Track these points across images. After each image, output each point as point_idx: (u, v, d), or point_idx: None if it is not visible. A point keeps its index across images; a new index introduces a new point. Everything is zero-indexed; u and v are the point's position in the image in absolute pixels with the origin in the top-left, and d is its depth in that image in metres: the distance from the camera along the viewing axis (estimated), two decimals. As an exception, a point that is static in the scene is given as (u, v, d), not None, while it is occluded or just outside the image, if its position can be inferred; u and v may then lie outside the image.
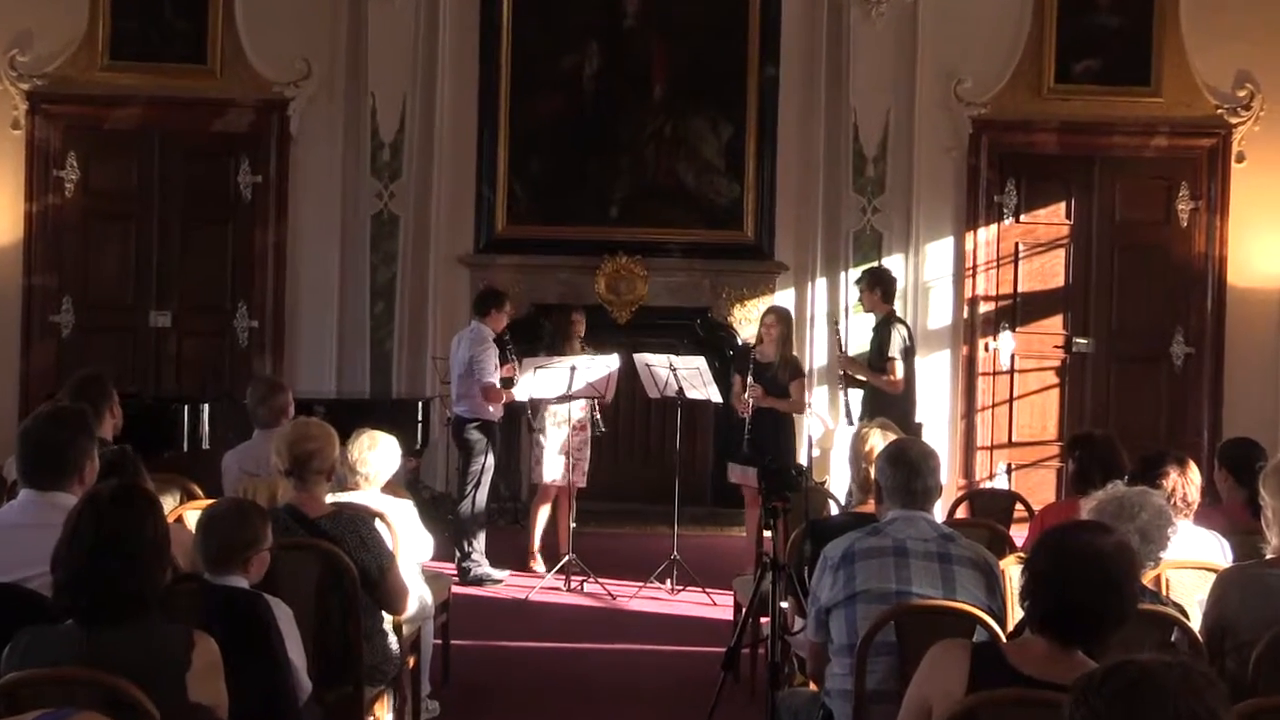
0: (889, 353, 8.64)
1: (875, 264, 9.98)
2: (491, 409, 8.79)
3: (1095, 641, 3.15)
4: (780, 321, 8.75)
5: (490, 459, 8.82)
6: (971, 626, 3.89)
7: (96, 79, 10.60)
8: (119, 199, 10.82)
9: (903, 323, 9.04)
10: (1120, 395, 10.90)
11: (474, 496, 8.76)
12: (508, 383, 8.82)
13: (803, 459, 9.20)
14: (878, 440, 4.95)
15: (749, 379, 8.54)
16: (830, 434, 10.17)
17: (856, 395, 9.00)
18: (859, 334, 9.70)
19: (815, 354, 10.52)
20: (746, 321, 10.77)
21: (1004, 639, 3.79)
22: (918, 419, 9.27)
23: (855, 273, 9.83)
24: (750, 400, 8.50)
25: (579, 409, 8.90)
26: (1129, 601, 3.20)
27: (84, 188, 10.74)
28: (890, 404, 8.32)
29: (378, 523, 5.07)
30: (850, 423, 8.96)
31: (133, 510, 3.33)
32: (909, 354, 8.82)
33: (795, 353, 8.99)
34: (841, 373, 9.15)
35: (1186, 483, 4.93)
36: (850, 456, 5.21)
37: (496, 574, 8.80)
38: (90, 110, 10.69)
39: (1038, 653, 3.18)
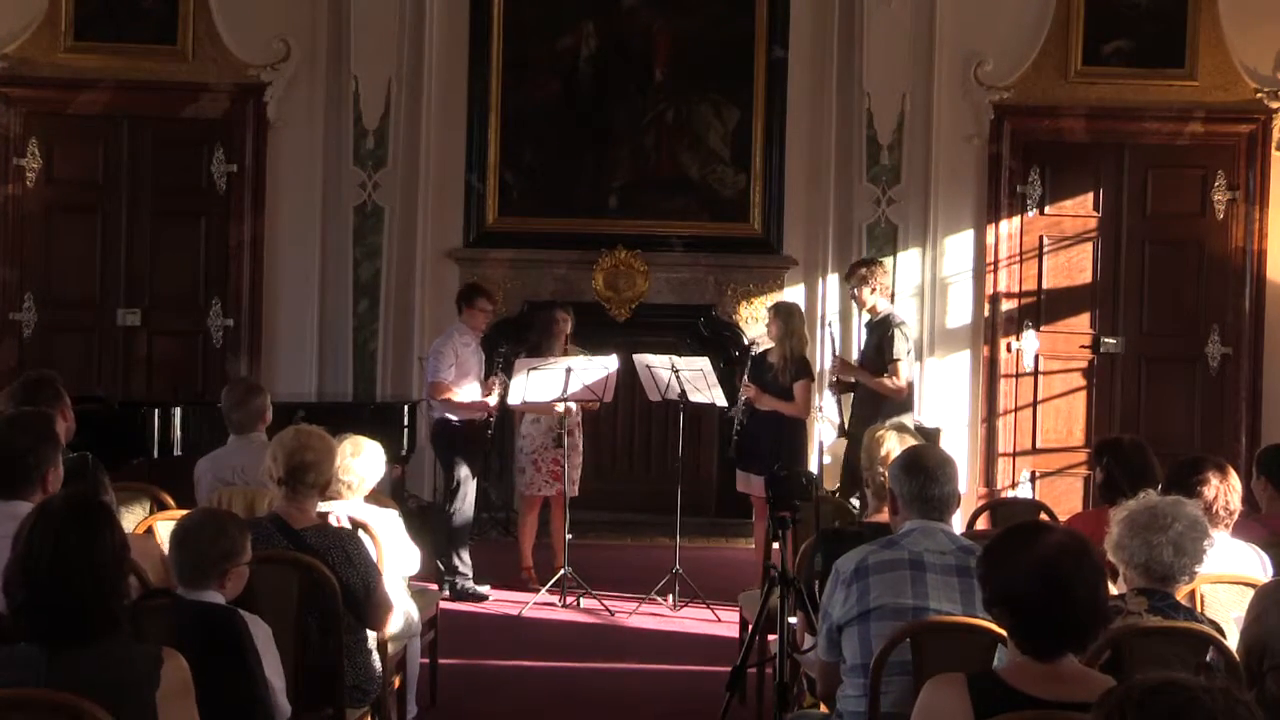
0: (895, 354, 8.37)
1: (870, 256, 9.77)
2: (451, 411, 8.79)
3: (1081, 644, 3.23)
4: (779, 317, 8.70)
5: (469, 465, 8.83)
6: (992, 643, 3.89)
7: (59, 61, 10.59)
8: (84, 189, 10.81)
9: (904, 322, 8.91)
10: (1151, 399, 10.89)
11: (458, 505, 8.78)
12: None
13: (813, 466, 9.18)
14: (894, 445, 4.95)
15: (744, 377, 8.55)
16: (842, 441, 10.16)
17: (841, 402, 8.87)
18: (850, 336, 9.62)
19: (827, 354, 10.48)
20: (753, 320, 10.77)
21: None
22: (935, 424, 9.24)
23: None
24: (743, 398, 8.50)
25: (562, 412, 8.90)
26: (1095, 593, 3.24)
27: (47, 177, 10.72)
28: (888, 410, 8.20)
29: (360, 533, 5.09)
30: (842, 434, 8.88)
31: (89, 523, 3.32)
32: (911, 356, 8.69)
33: (804, 351, 8.88)
34: (834, 379, 8.90)
35: (1228, 490, 4.93)
36: (864, 462, 5.21)
37: (481, 588, 8.81)
38: (53, 94, 10.67)
39: (1037, 672, 3.19)
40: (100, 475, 4.92)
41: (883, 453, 5.00)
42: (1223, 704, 2.29)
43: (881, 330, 8.51)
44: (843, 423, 8.82)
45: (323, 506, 5.29)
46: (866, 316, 8.82)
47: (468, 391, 8.82)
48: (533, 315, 10.45)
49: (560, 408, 8.75)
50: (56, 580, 3.23)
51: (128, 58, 10.64)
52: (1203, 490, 4.84)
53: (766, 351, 8.76)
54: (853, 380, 8.67)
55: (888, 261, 10.46)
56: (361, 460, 5.60)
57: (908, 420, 8.20)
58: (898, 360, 8.36)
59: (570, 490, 8.92)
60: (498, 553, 9.52)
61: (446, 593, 8.49)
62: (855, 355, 10.02)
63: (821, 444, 8.92)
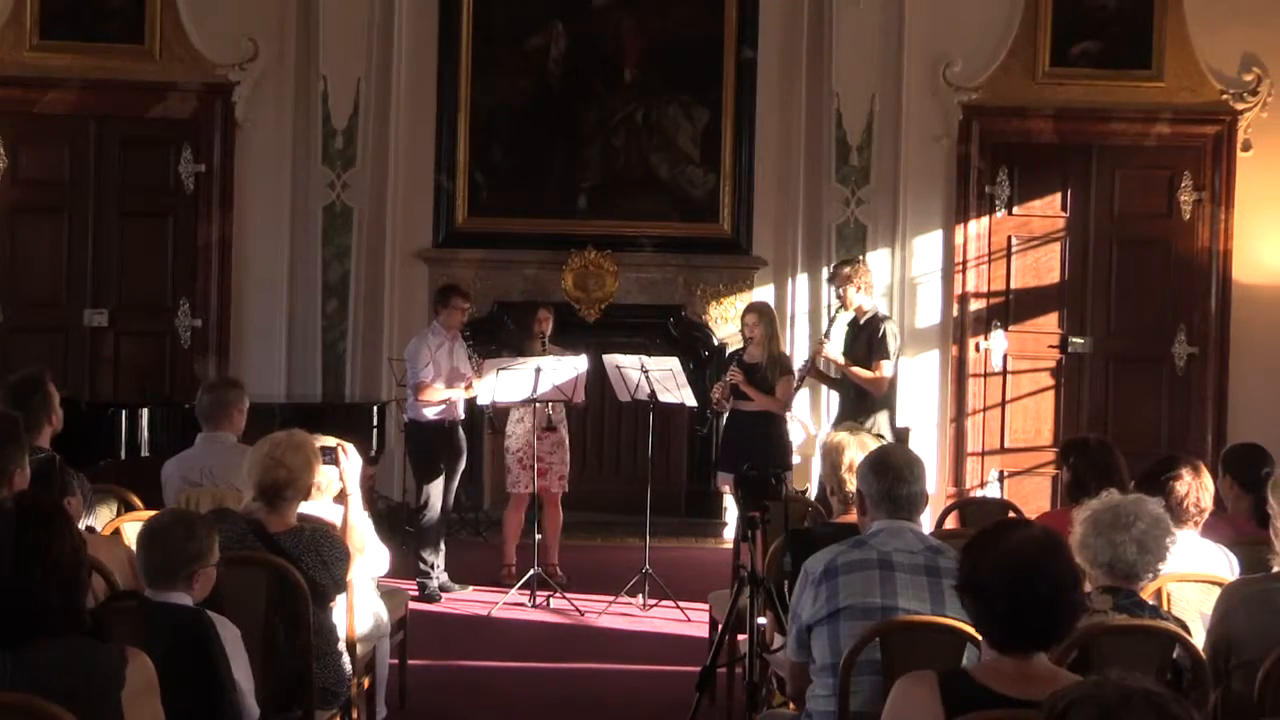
0: (886, 350, 8.31)
1: (853, 255, 9.78)
2: (428, 411, 8.79)
3: (1045, 641, 3.23)
4: (762, 319, 8.71)
5: (435, 465, 8.84)
6: (961, 643, 3.91)
7: (25, 60, 10.53)
8: (51, 189, 10.75)
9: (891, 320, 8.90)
10: (1119, 398, 10.95)
11: (426, 506, 8.79)
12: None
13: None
14: (855, 452, 4.95)
15: (732, 364, 8.55)
16: (812, 440, 10.20)
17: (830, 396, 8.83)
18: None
19: (796, 354, 10.50)
20: (722, 320, 10.80)
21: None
22: (903, 423, 9.25)
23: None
24: (729, 382, 8.51)
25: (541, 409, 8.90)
26: (1061, 590, 3.23)
27: (13, 177, 10.66)
28: (872, 408, 8.26)
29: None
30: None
31: (43, 523, 3.31)
32: (897, 357, 8.67)
33: (782, 349, 8.92)
34: (809, 364, 8.67)
35: (1200, 487, 4.96)
36: (825, 469, 5.21)
37: (457, 588, 8.82)
38: (19, 93, 10.60)
39: (1008, 671, 3.20)
40: (67, 476, 4.90)
41: (845, 460, 5.00)
42: (1150, 710, 2.33)
43: (872, 328, 8.44)
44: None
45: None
46: (850, 316, 8.66)
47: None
48: (511, 314, 10.49)
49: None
50: (16, 580, 3.22)
51: (95, 57, 10.58)
52: (1174, 485, 4.87)
53: (743, 352, 8.75)
54: (834, 374, 8.68)
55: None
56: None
57: (883, 419, 8.22)
58: (886, 357, 8.31)
59: (559, 487, 9.01)
60: (467, 552, 9.53)
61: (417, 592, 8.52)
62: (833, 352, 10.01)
63: (790, 443, 8.91)
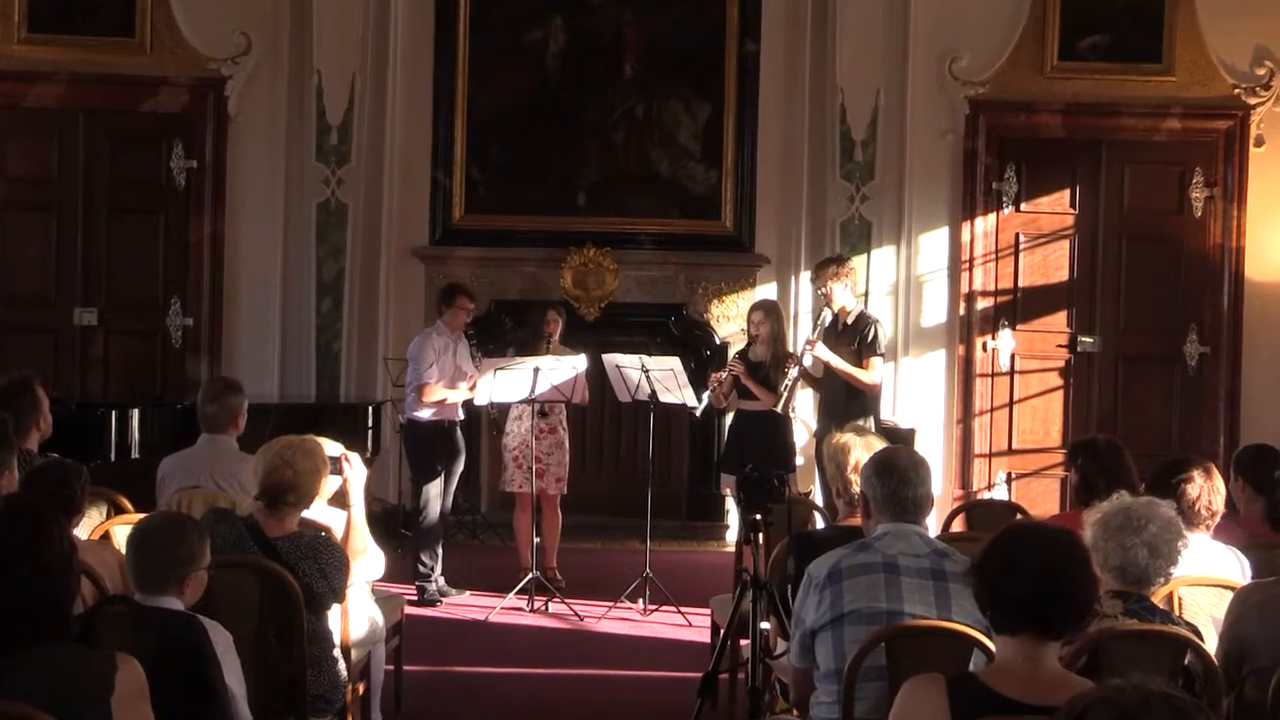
0: (877, 349, 8.32)
1: (839, 254, 9.71)
2: (426, 411, 8.79)
3: (1060, 627, 3.25)
4: (769, 317, 8.71)
5: (434, 466, 8.84)
6: (968, 648, 3.90)
7: (13, 53, 10.53)
8: (39, 185, 10.75)
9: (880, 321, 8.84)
10: (1129, 398, 10.94)
11: (425, 508, 8.79)
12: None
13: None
14: (861, 453, 4.94)
15: (734, 358, 8.55)
16: (813, 441, 10.18)
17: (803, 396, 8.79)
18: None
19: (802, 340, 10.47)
20: (724, 319, 10.79)
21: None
22: (910, 425, 9.23)
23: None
24: (729, 374, 8.52)
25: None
26: (1089, 578, 3.31)
27: (0, 172, 10.67)
28: (863, 410, 8.23)
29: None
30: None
31: (34, 523, 3.30)
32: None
33: (790, 349, 8.92)
34: (797, 364, 8.48)
35: (1211, 490, 4.96)
36: (830, 471, 5.20)
37: (455, 592, 8.82)
38: (7, 88, 10.60)
39: (1017, 674, 3.21)
40: (84, 499, 4.91)
41: (851, 460, 4.99)
42: (1166, 712, 2.34)
43: (858, 328, 8.41)
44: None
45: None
46: (829, 315, 8.51)
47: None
48: (510, 313, 10.48)
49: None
50: (3, 583, 3.21)
51: (84, 50, 10.57)
52: (1186, 488, 4.87)
53: (749, 351, 8.75)
54: (818, 373, 8.63)
55: (861, 259, 10.50)
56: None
57: (870, 422, 8.19)
58: (879, 355, 8.33)
59: (557, 489, 9.02)
60: (465, 555, 9.53)
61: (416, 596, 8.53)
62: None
63: (795, 445, 8.90)
